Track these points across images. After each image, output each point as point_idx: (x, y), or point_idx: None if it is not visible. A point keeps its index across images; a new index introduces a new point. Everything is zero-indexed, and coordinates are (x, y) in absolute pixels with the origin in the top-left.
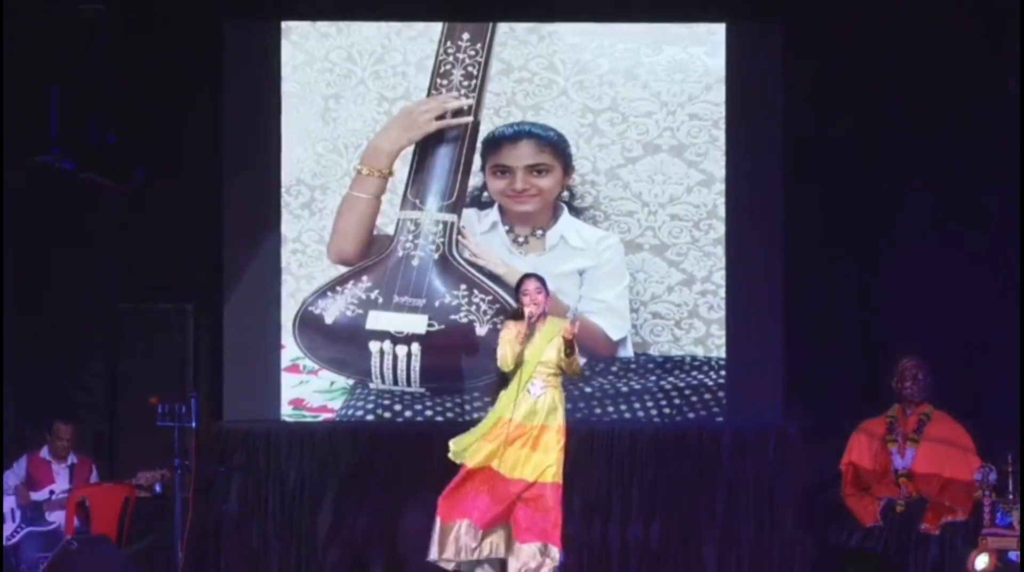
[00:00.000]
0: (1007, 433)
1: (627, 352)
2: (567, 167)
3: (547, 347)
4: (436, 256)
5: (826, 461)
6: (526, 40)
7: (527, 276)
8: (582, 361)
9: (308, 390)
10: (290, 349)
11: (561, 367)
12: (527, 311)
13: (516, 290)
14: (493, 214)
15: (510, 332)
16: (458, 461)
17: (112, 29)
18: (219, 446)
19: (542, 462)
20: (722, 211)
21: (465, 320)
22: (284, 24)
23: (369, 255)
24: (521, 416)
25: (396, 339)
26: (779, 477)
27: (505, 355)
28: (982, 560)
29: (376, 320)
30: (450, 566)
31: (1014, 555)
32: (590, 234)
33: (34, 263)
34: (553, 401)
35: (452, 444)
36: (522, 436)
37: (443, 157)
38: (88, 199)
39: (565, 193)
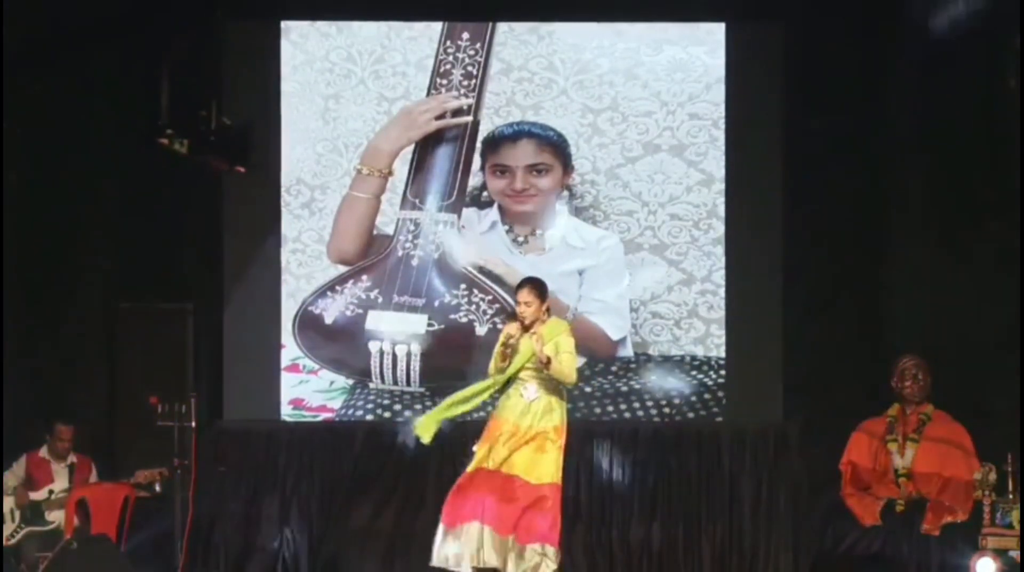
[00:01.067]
0: (1007, 433)
1: (627, 352)
2: (567, 167)
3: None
4: (436, 256)
5: (826, 461)
6: (526, 40)
7: (522, 283)
8: (581, 361)
9: (308, 390)
10: (290, 349)
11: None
12: (505, 332)
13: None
14: (493, 214)
15: (502, 339)
16: (426, 441)
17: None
18: (219, 446)
19: (540, 462)
20: (722, 211)
21: (465, 320)
22: (284, 24)
23: (369, 255)
24: (514, 416)
25: (396, 339)
26: (779, 477)
27: (490, 367)
28: (986, 566)
29: (376, 320)
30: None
31: (1014, 554)
32: (590, 234)
33: (34, 263)
34: (549, 403)
35: (416, 426)
36: (515, 435)
37: (443, 157)
38: (88, 199)
39: (565, 193)
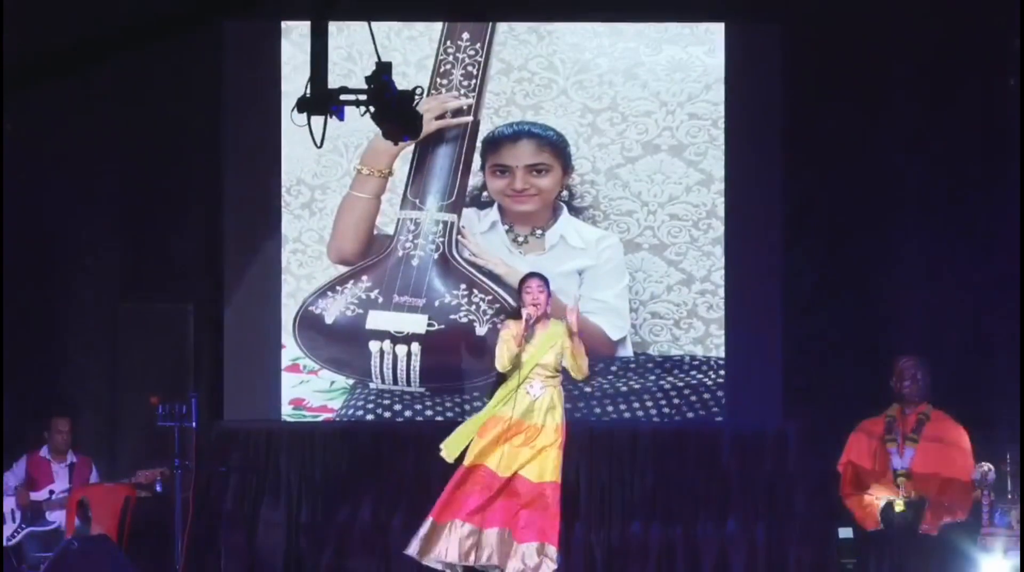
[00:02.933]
0: (1007, 433)
1: (626, 352)
2: (566, 166)
3: (547, 350)
4: (436, 256)
5: (825, 461)
6: (526, 40)
7: (529, 275)
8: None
9: (308, 390)
10: (290, 349)
11: (565, 369)
12: (525, 313)
13: (518, 289)
14: (493, 214)
15: (509, 332)
16: (450, 460)
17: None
18: (219, 446)
19: (540, 461)
20: (721, 211)
21: (465, 320)
22: (284, 24)
23: (369, 255)
24: (519, 414)
25: (396, 339)
26: (778, 477)
27: (502, 356)
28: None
29: (376, 320)
30: (438, 566)
31: (1014, 554)
32: (590, 234)
33: (34, 262)
34: (551, 400)
35: (443, 446)
36: (519, 433)
37: (443, 157)
38: (87, 199)
39: (565, 193)
